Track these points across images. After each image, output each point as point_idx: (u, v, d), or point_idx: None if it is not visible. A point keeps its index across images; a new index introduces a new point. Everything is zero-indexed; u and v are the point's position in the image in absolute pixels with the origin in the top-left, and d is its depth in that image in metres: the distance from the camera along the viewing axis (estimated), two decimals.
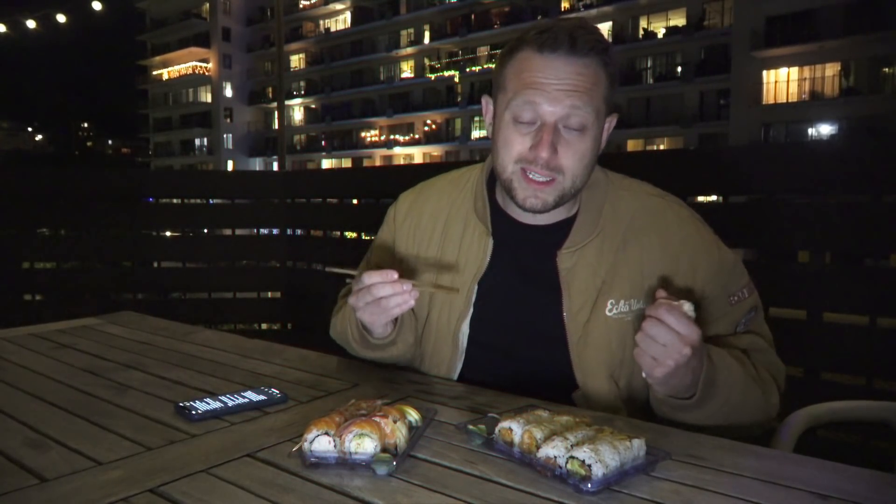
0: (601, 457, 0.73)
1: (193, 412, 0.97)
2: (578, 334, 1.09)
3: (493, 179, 1.19)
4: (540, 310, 1.12)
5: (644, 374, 0.92)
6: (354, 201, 3.71)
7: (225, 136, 44.60)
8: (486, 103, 1.15)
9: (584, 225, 1.11)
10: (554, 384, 1.09)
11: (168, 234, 4.22)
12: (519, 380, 1.11)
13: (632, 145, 28.09)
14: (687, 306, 0.89)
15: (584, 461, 0.73)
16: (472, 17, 32.77)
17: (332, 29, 40.29)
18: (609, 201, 1.13)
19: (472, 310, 1.15)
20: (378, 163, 35.30)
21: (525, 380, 1.11)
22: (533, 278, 1.14)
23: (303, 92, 41.78)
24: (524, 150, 1.05)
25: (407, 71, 37.11)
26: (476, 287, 1.15)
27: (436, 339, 1.19)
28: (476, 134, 32.58)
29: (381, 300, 0.99)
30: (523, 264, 1.15)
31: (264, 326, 4.20)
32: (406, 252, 1.25)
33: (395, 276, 0.98)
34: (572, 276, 1.10)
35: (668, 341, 0.87)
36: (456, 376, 1.18)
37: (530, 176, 1.05)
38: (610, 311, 1.08)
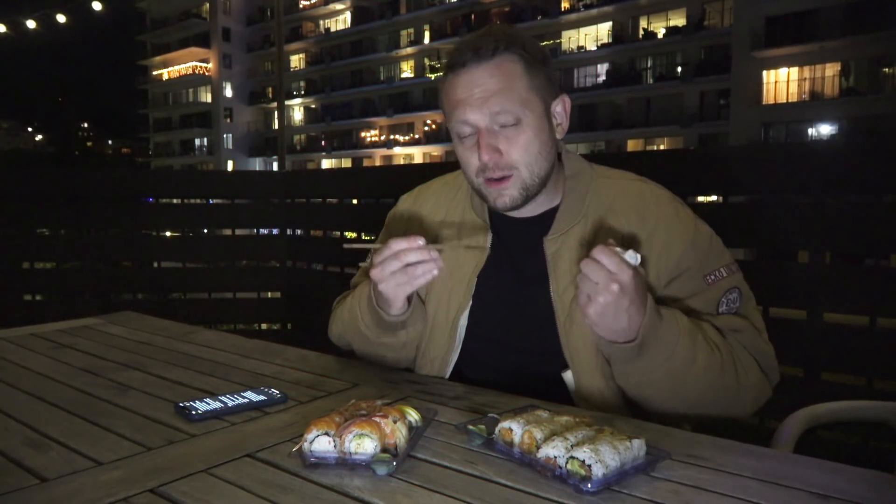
0: (601, 457, 0.73)
1: (193, 412, 0.97)
2: (566, 313, 1.11)
3: None
4: (531, 296, 1.15)
5: (582, 314, 0.95)
6: (354, 201, 3.71)
7: (225, 136, 44.60)
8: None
9: (567, 211, 1.16)
10: (543, 367, 1.12)
11: (168, 234, 4.22)
12: (511, 368, 1.15)
13: (632, 145, 28.10)
14: (629, 254, 0.93)
15: (584, 461, 0.73)
16: (472, 17, 32.77)
17: (332, 29, 40.28)
18: (592, 190, 1.17)
19: (471, 302, 1.18)
20: (378, 163, 35.29)
21: (517, 367, 1.15)
22: (524, 268, 1.17)
23: (303, 92, 41.78)
24: (476, 163, 1.10)
25: (407, 71, 37.11)
26: (476, 280, 1.18)
27: (432, 331, 1.21)
28: None
29: (407, 268, 1.01)
30: (515, 255, 1.19)
31: (264, 326, 4.20)
32: None
33: (422, 241, 1.00)
34: (557, 259, 1.13)
35: (599, 279, 0.90)
36: (450, 367, 1.20)
37: (488, 176, 1.10)
38: None
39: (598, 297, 0.91)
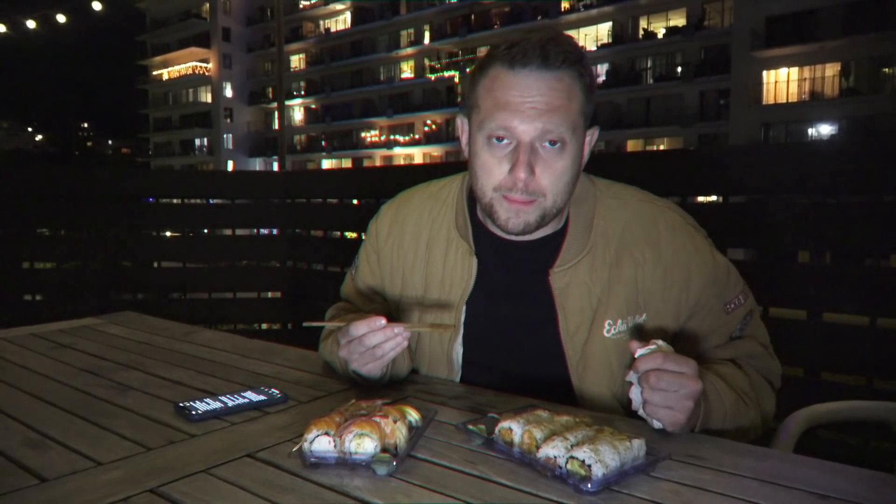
0: (601, 457, 0.73)
1: (193, 412, 0.97)
2: (578, 355, 1.07)
3: (473, 194, 1.14)
4: (535, 329, 1.10)
5: (664, 428, 0.89)
6: (354, 201, 3.71)
7: (225, 136, 44.60)
8: (462, 123, 1.11)
9: (574, 241, 1.08)
10: (553, 397, 1.07)
11: (168, 234, 4.22)
12: (516, 394, 1.10)
13: (632, 145, 28.10)
14: (662, 343, 0.90)
15: (584, 461, 0.73)
16: (472, 17, 32.77)
17: (332, 29, 40.29)
18: (599, 214, 1.10)
19: (462, 330, 1.14)
20: (378, 163, 35.31)
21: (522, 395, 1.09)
22: (524, 297, 1.11)
23: (303, 92, 41.77)
24: (503, 177, 1.01)
25: (407, 71, 37.10)
26: (464, 307, 1.13)
27: (430, 360, 1.18)
28: None
29: (374, 349, 0.97)
30: (512, 283, 1.12)
31: (264, 326, 4.20)
32: (392, 271, 1.22)
33: (383, 321, 0.95)
34: (566, 295, 1.07)
35: (678, 385, 0.86)
36: None
37: (511, 196, 1.02)
38: (608, 332, 1.06)
39: (685, 403, 0.86)
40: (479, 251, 1.13)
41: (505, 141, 1.01)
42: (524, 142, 0.99)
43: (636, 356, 0.89)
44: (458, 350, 1.14)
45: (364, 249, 1.29)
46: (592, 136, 1.09)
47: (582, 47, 1.04)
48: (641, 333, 1.07)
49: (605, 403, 1.07)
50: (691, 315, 1.08)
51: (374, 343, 0.96)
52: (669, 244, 1.07)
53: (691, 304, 1.07)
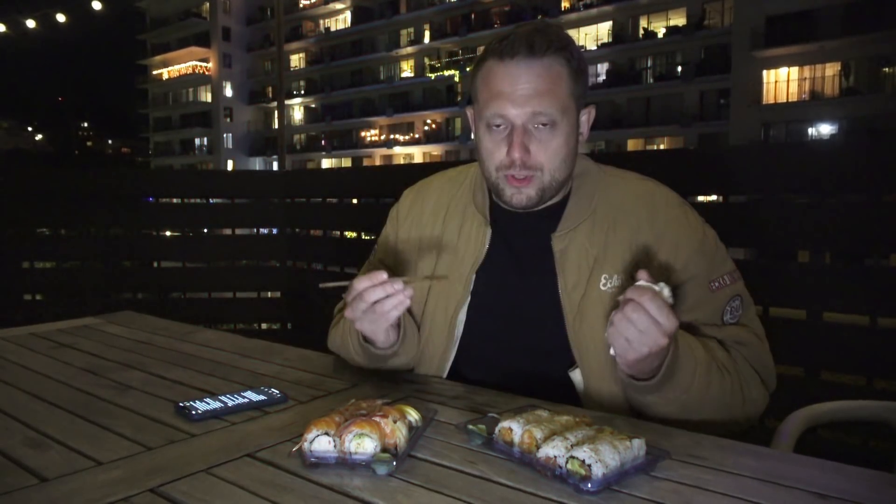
0: (601, 457, 0.73)
1: (193, 412, 0.97)
2: (574, 311, 1.11)
3: None
4: (536, 292, 1.15)
5: (613, 354, 0.92)
6: (354, 201, 3.71)
7: (225, 135, 44.58)
8: (470, 114, 1.20)
9: (575, 208, 1.15)
10: (549, 366, 1.11)
11: (168, 233, 4.22)
12: (512, 366, 1.14)
13: (632, 145, 28.09)
14: (666, 291, 0.89)
15: (584, 461, 0.73)
16: (472, 16, 32.76)
17: (332, 28, 40.28)
18: (600, 189, 1.17)
19: (469, 298, 1.18)
20: (378, 162, 35.28)
21: (518, 366, 1.13)
22: (528, 263, 1.17)
23: (303, 91, 41.76)
24: (503, 157, 1.10)
25: (407, 70, 37.09)
26: (474, 276, 1.18)
27: (431, 329, 1.21)
28: None
29: (375, 305, 1.00)
30: (519, 250, 1.19)
31: (264, 326, 4.20)
32: (408, 246, 1.28)
33: (384, 276, 0.99)
34: (565, 256, 1.13)
35: (646, 328, 0.87)
36: (448, 365, 1.19)
37: (511, 175, 1.10)
38: (604, 285, 1.11)
39: (642, 346, 0.88)
40: (492, 223, 1.20)
41: (501, 126, 1.09)
42: (517, 125, 1.08)
43: (636, 282, 0.90)
44: (461, 318, 1.18)
45: (383, 232, 1.35)
46: (589, 114, 1.16)
47: (571, 37, 1.12)
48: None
49: (599, 360, 1.09)
50: (679, 285, 1.10)
51: (375, 298, 1.00)
52: (663, 213, 1.13)
53: (678, 271, 1.10)
